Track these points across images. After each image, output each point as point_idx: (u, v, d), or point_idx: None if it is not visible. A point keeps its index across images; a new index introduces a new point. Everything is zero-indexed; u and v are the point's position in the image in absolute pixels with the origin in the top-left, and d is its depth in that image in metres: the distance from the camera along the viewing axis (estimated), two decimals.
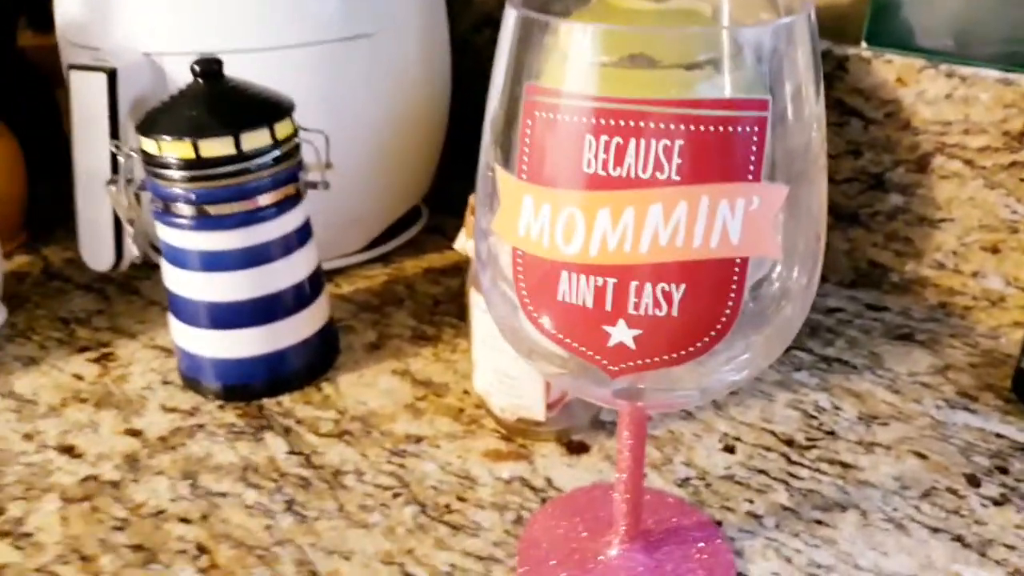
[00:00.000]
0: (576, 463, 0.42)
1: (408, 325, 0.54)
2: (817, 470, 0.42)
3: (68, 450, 0.44)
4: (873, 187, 0.53)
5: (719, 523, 0.39)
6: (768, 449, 0.43)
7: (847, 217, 0.55)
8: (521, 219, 0.26)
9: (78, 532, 0.39)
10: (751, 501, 0.40)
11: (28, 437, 0.45)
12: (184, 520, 0.39)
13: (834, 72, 0.52)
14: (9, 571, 0.37)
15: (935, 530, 0.39)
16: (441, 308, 0.56)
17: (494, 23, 0.67)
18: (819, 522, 0.39)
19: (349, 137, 0.53)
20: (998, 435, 0.44)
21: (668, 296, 0.24)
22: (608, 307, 0.25)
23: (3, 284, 0.56)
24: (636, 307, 0.25)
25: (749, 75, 0.25)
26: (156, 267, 0.57)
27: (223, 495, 0.41)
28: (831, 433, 0.44)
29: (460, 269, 0.60)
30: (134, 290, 0.58)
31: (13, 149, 0.62)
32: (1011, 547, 0.38)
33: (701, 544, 0.37)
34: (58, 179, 0.68)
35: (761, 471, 0.42)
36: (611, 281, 0.25)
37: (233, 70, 0.45)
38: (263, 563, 0.37)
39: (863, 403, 0.46)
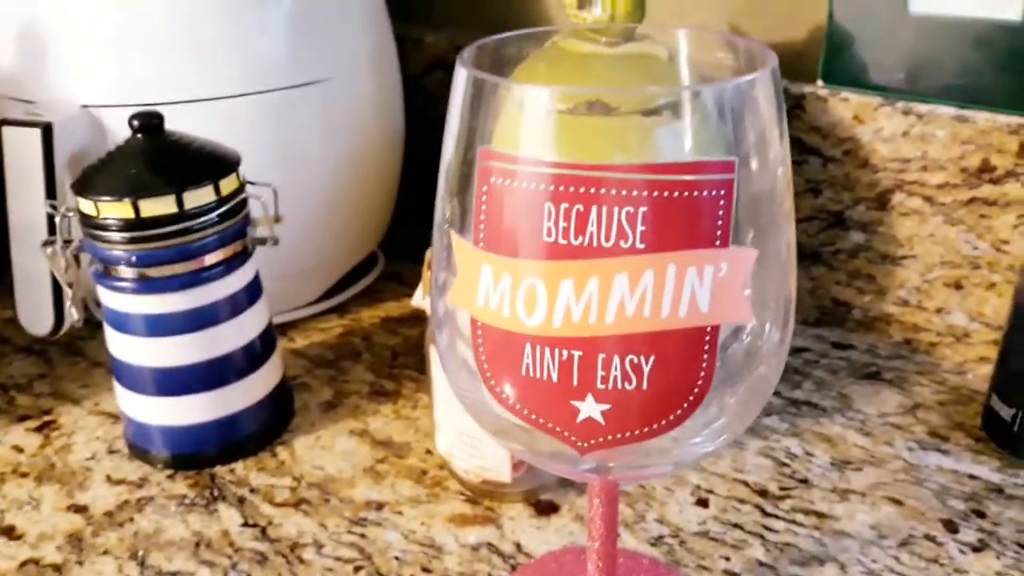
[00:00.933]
0: (546, 525, 0.41)
1: (366, 380, 0.52)
2: (792, 521, 0.41)
3: (7, 532, 0.41)
4: (834, 225, 0.53)
5: None
6: (742, 501, 0.42)
7: (809, 256, 0.54)
8: (480, 289, 0.24)
9: None
10: (727, 558, 0.39)
11: None
12: None
13: (791, 110, 0.51)
14: None
15: None
16: (400, 361, 0.54)
17: (446, 66, 0.66)
18: None
19: (301, 186, 0.51)
20: (971, 476, 0.43)
21: (637, 368, 0.23)
22: (575, 382, 0.24)
23: None
24: (604, 380, 0.23)
25: (709, 121, 0.24)
26: (100, 325, 0.54)
27: (174, 575, 0.38)
28: (804, 481, 0.43)
29: (419, 319, 0.58)
30: (77, 351, 0.56)
31: None
32: None
33: None
34: None
35: (736, 525, 0.41)
36: (576, 354, 0.23)
37: (176, 123, 0.43)
38: None
39: (835, 448, 0.45)
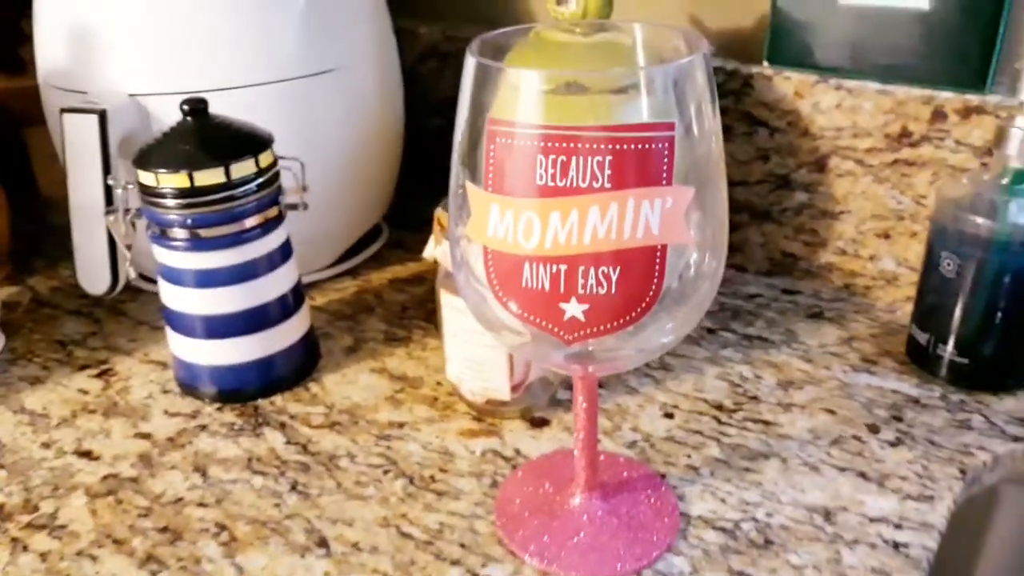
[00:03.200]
0: (539, 435, 0.49)
1: (380, 329, 0.60)
2: (744, 428, 0.49)
3: (86, 454, 0.49)
4: (781, 187, 0.61)
5: (663, 475, 0.46)
6: (701, 414, 0.51)
7: (760, 214, 0.63)
8: (489, 223, 0.32)
9: (107, 521, 0.44)
10: (689, 456, 0.47)
11: (46, 446, 0.50)
12: (201, 504, 0.45)
13: (741, 89, 0.60)
14: (52, 556, 0.42)
15: (842, 469, 0.46)
16: (408, 313, 0.62)
17: (438, 54, 0.74)
18: (747, 469, 0.46)
19: (319, 162, 0.59)
20: (894, 391, 0.52)
21: (607, 277, 0.31)
22: (562, 289, 0.32)
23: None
24: (583, 287, 0.32)
25: (660, 97, 0.32)
26: (139, 291, 0.62)
27: (233, 482, 0.46)
28: (754, 398, 0.52)
29: (422, 279, 0.66)
30: (121, 312, 0.63)
31: None
32: (904, 478, 0.45)
33: (649, 491, 0.44)
34: (30, 213, 0.72)
35: (696, 431, 0.49)
36: (563, 268, 0.31)
37: (212, 107, 0.51)
38: (277, 534, 0.43)
39: (780, 372, 0.54)
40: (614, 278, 0.31)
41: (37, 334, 0.61)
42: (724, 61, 0.60)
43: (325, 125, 0.59)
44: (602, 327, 0.32)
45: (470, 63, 0.33)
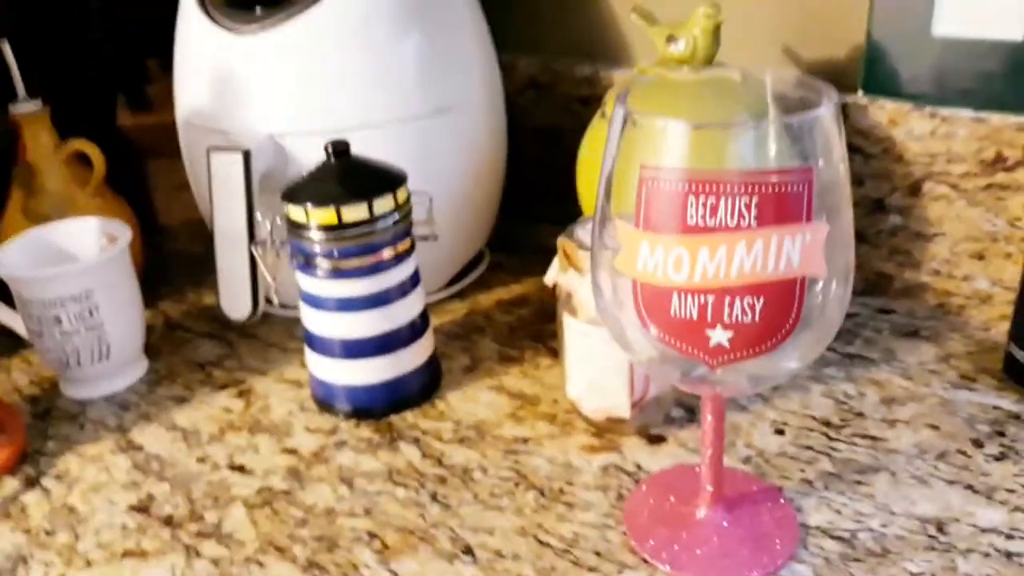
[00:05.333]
0: (657, 451, 0.52)
1: (493, 349, 0.64)
2: (852, 443, 0.52)
3: (239, 468, 0.54)
4: (875, 210, 0.64)
5: (780, 488, 0.49)
6: (810, 430, 0.53)
7: (856, 236, 0.65)
8: (639, 258, 0.36)
9: (268, 530, 0.49)
10: (802, 470, 0.50)
11: (201, 460, 0.55)
12: (352, 515, 0.49)
13: None
14: (223, 562, 0.47)
15: (951, 482, 0.48)
16: (518, 333, 0.66)
17: (536, 85, 0.78)
18: (858, 482, 0.49)
19: (436, 195, 0.63)
20: (995, 407, 0.54)
21: (752, 307, 0.35)
22: (709, 318, 0.35)
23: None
24: (729, 316, 0.35)
25: (793, 140, 0.35)
26: (266, 315, 0.67)
27: (378, 493, 0.50)
28: (859, 414, 0.54)
29: (526, 300, 0.70)
30: (252, 335, 0.68)
31: (132, 219, 0.72)
32: (1011, 491, 0.47)
33: (769, 504, 0.47)
34: (148, 240, 0.77)
35: (807, 447, 0.52)
36: (710, 298, 0.35)
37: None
38: (424, 541, 0.47)
39: (883, 389, 0.56)
40: (758, 308, 0.35)
41: (176, 357, 0.66)
42: None
43: (441, 160, 0.64)
44: (745, 352, 0.36)
45: (619, 113, 0.36)
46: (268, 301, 0.61)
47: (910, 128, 0.60)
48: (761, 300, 0.35)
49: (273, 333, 0.68)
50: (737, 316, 0.35)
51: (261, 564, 0.46)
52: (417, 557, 0.46)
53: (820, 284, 0.38)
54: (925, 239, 0.63)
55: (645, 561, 0.44)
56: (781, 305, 0.35)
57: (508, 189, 0.75)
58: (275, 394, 0.61)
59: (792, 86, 0.40)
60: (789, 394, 0.57)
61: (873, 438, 0.52)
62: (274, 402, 0.60)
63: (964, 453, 0.51)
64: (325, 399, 0.58)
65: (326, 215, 0.52)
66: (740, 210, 0.33)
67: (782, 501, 0.47)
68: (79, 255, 0.63)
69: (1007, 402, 0.54)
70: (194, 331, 0.70)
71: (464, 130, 0.65)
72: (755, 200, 0.33)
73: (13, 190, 0.69)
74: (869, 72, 0.61)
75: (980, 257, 0.61)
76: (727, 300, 0.35)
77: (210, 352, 0.67)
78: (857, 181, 0.64)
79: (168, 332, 0.70)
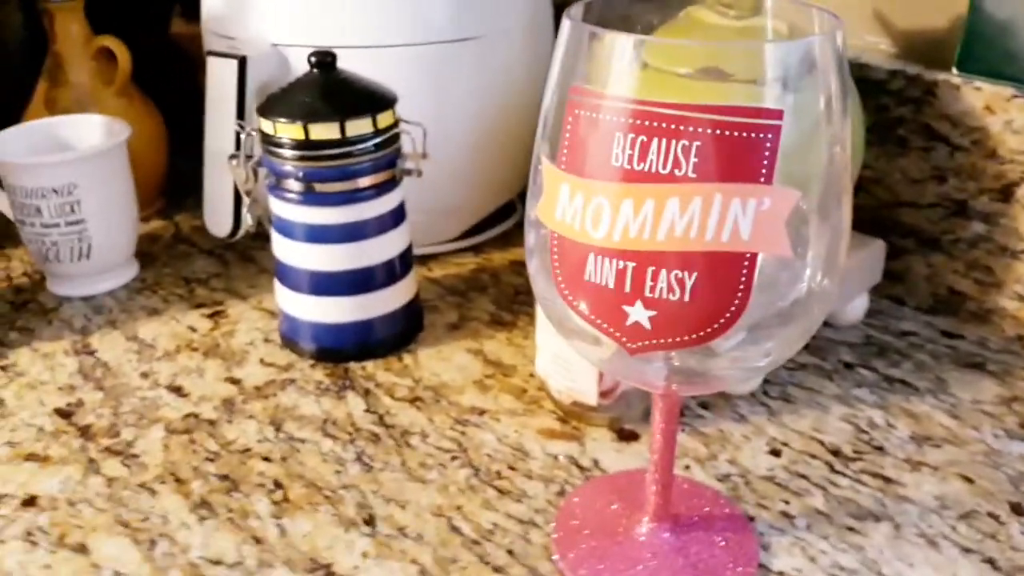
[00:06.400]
0: (624, 449, 0.45)
1: (488, 310, 0.58)
2: (858, 481, 0.43)
3: (176, 390, 0.50)
4: (956, 214, 0.53)
5: (751, 518, 0.41)
6: (813, 457, 0.45)
7: (928, 242, 0.55)
8: (559, 205, 0.29)
9: (176, 458, 0.44)
10: (787, 502, 0.42)
11: (144, 375, 0.51)
12: (266, 459, 0.44)
13: (923, 97, 0.52)
14: (117, 483, 0.43)
15: (967, 550, 0.39)
16: (520, 298, 0.59)
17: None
18: (850, 528, 0.40)
19: (451, 131, 0.57)
20: None
21: (681, 282, 0.27)
22: (627, 288, 0.28)
23: (138, 243, 0.63)
24: (652, 290, 0.27)
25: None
26: (269, 238, 0.63)
27: (303, 441, 0.46)
28: (880, 448, 0.45)
29: None
30: (250, 258, 0.65)
31: (159, 125, 0.70)
32: None
33: (728, 533, 0.39)
34: (195, 155, 0.75)
35: (802, 476, 0.43)
36: (631, 265, 0.27)
37: (349, 64, 0.50)
38: (329, 502, 0.41)
39: (918, 424, 0.47)
40: (689, 284, 0.27)
41: (168, 268, 0.63)
42: (906, 64, 0.53)
43: (463, 93, 0.57)
44: (670, 339, 0.28)
45: (565, 27, 0.29)
46: (260, 223, 0.56)
47: (1009, 118, 0.50)
48: (694, 276, 0.27)
49: (271, 257, 0.64)
50: (662, 291, 0.27)
51: (153, 492, 0.42)
52: (314, 518, 0.41)
53: (808, 271, 0.30)
54: (1012, 256, 0.52)
55: (561, 574, 0.38)
56: (720, 286, 0.27)
57: None
58: (246, 320, 0.57)
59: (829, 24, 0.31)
60: (802, 410, 0.48)
61: (886, 479, 0.43)
62: (241, 328, 0.56)
63: (996, 518, 0.41)
64: (289, 335, 0.53)
65: (294, 130, 0.47)
66: (676, 155, 0.26)
67: (747, 533, 0.39)
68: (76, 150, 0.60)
69: None
70: (198, 247, 0.67)
71: (494, 64, 0.58)
72: (696, 144, 0.26)
73: (40, 81, 0.67)
74: (967, 46, 0.50)
75: None
76: (650, 270, 0.27)
77: (202, 269, 0.63)
78: (938, 177, 0.53)
79: (172, 243, 0.67)
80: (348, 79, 0.49)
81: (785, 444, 0.46)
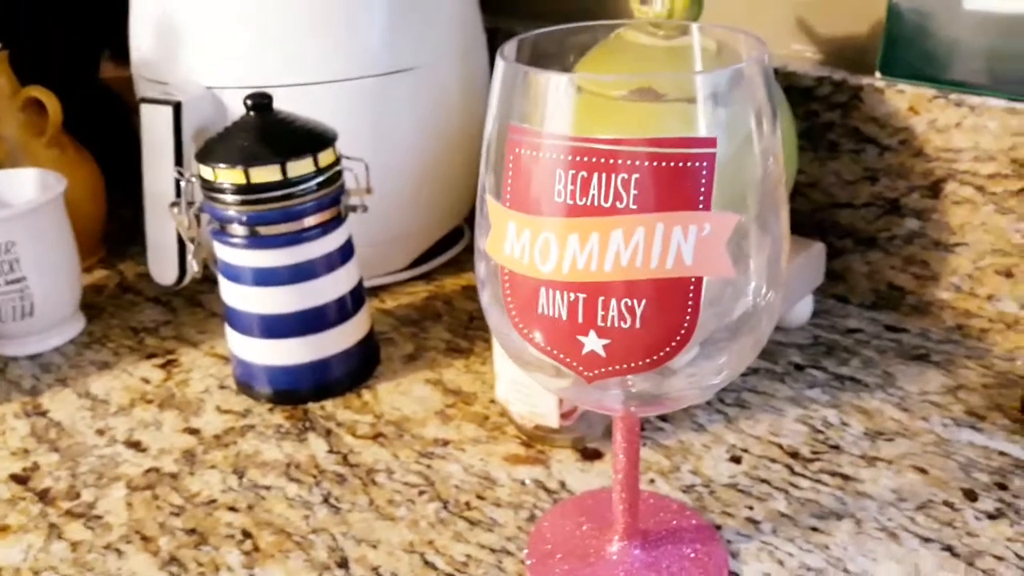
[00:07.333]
0: (589, 468, 0.46)
1: (443, 339, 0.58)
2: (818, 481, 0.44)
3: (134, 445, 0.49)
4: (889, 212, 0.55)
5: (718, 527, 0.42)
6: (773, 461, 0.46)
7: (866, 241, 0.57)
8: (507, 241, 0.29)
9: (140, 516, 0.44)
10: (751, 508, 0.43)
11: (100, 432, 0.50)
12: (232, 509, 0.44)
13: (850, 101, 0.54)
14: (82, 547, 0.42)
15: (926, 540, 0.40)
16: (475, 323, 0.59)
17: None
18: (814, 529, 0.41)
19: (393, 163, 0.57)
20: (1001, 453, 0.45)
21: (631, 310, 0.28)
22: (580, 319, 0.28)
23: (82, 295, 0.62)
24: (604, 319, 0.28)
25: (709, 109, 0.28)
26: (216, 281, 0.62)
27: (268, 488, 0.45)
28: (836, 447, 0.46)
29: None
30: (198, 303, 0.64)
31: (94, 173, 0.68)
32: (1000, 558, 0.39)
33: (697, 545, 0.40)
34: (134, 201, 0.74)
35: (764, 480, 0.44)
36: (581, 296, 0.28)
37: (285, 103, 0.50)
38: (300, 548, 0.41)
39: (870, 419, 0.48)
40: (639, 311, 0.28)
41: (116, 319, 0.62)
42: (832, 70, 0.55)
43: (402, 124, 0.58)
44: (625, 365, 0.29)
45: (499, 67, 0.30)
46: (206, 266, 0.56)
47: (932, 118, 0.52)
48: (643, 303, 0.28)
49: (219, 302, 0.63)
50: (614, 320, 0.28)
51: (120, 553, 0.42)
52: (286, 565, 0.40)
53: (752, 285, 0.31)
54: (945, 249, 0.54)
55: None
56: (668, 310, 0.28)
57: None
58: (199, 368, 0.56)
59: (754, 45, 0.32)
60: (758, 415, 0.49)
61: (845, 477, 0.44)
62: (195, 377, 0.55)
63: (951, 506, 0.42)
64: (244, 379, 0.53)
65: (235, 175, 0.46)
66: (616, 188, 0.27)
67: (715, 542, 0.40)
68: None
69: (1017, 448, 0.46)
70: (144, 295, 0.66)
71: (431, 93, 0.58)
72: (635, 177, 0.26)
73: None
74: (888, 50, 0.52)
75: (1008, 274, 0.52)
76: (600, 300, 0.28)
77: (150, 318, 0.62)
78: (870, 177, 0.55)
79: (118, 294, 0.66)
80: (286, 119, 0.49)
81: (745, 450, 0.46)
